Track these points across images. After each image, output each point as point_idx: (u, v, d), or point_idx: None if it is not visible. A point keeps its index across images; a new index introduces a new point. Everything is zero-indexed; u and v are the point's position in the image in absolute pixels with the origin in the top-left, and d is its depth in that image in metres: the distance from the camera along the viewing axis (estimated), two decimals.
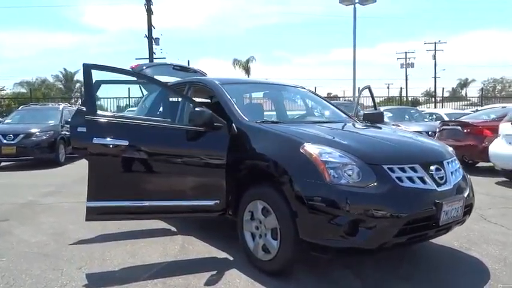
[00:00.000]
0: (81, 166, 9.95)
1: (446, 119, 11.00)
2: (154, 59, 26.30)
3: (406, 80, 40.15)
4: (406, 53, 40.14)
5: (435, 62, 37.82)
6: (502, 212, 4.49)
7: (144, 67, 5.40)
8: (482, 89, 28.68)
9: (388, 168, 2.49)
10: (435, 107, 24.52)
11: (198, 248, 3.46)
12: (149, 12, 26.07)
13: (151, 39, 26.51)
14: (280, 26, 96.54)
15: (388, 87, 48.20)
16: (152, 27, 26.41)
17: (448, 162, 2.81)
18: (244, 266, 2.99)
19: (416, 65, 42.49)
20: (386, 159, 2.55)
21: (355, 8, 17.84)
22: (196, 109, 3.05)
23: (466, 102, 28.34)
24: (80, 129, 3.95)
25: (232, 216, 3.22)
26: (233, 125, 3.18)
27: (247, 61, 36.22)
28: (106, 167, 3.01)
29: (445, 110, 14.29)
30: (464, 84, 51.65)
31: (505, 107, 8.29)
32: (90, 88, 3.09)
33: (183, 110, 3.78)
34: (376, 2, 17.59)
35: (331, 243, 2.46)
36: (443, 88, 29.30)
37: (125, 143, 2.99)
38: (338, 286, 2.71)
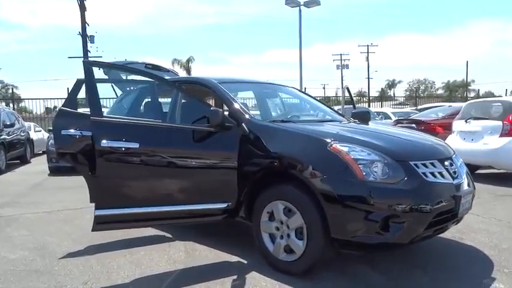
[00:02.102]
0: (25, 174, 9.16)
1: (393, 117, 11.72)
2: (89, 58, 24.91)
3: (342, 81, 42.05)
4: (341, 54, 42.07)
5: (368, 63, 40.14)
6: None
7: None
8: (416, 89, 30.87)
9: (414, 164, 2.59)
10: (369, 106, 26.01)
11: (204, 253, 3.33)
12: (82, 8, 24.47)
13: (85, 37, 24.94)
14: (217, 26, 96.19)
15: (324, 88, 50.32)
16: (86, 24, 24.89)
17: (455, 157, 3.00)
18: (263, 269, 2.93)
19: (351, 67, 44.80)
20: (411, 156, 2.66)
21: (300, 10, 18.35)
22: (212, 109, 2.93)
23: (394, 102, 30.45)
24: (64, 132, 3.61)
25: (245, 218, 3.15)
26: (243, 124, 3.11)
27: (188, 61, 35.78)
28: (115, 172, 2.80)
29: (388, 109, 15.19)
30: (392, 84, 55.53)
31: (451, 105, 9.03)
32: (93, 87, 2.84)
33: (174, 109, 3.62)
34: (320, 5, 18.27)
35: (365, 240, 2.50)
36: (382, 88, 31.22)
37: (136, 145, 2.80)
38: (360, 280, 2.76)
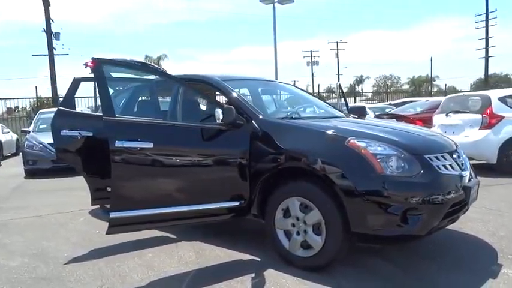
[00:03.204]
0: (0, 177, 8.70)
1: (370, 112, 11.98)
2: (55, 55, 24.00)
3: (312, 77, 42.68)
4: (311, 51, 42.61)
5: (338, 60, 40.87)
6: None
7: None
8: (386, 85, 31.55)
9: (428, 157, 2.67)
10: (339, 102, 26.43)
11: (214, 253, 3.30)
12: (46, 3, 23.42)
13: (50, 34, 23.88)
14: (185, 24, 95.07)
15: (294, 84, 50.75)
16: (51, 21, 23.85)
17: (460, 150, 3.12)
18: (278, 266, 2.94)
19: (320, 63, 45.47)
20: (425, 150, 2.74)
21: (274, 7, 18.49)
22: (226, 107, 2.91)
23: (363, 98, 31.20)
24: (64, 132, 3.49)
25: (257, 216, 3.15)
26: (253, 122, 3.10)
27: (159, 58, 35.32)
28: (130, 173, 2.73)
29: (364, 105, 15.51)
30: (360, 80, 56.75)
31: (428, 100, 9.34)
32: (104, 86, 2.74)
33: (176, 107, 3.57)
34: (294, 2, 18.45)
35: (386, 233, 2.56)
36: (350, 84, 31.80)
37: (150, 145, 2.73)
38: (376, 272, 2.82)
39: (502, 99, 6.36)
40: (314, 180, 2.76)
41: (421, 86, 49.62)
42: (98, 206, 4.50)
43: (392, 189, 2.51)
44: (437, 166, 2.67)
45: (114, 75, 3.56)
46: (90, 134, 3.54)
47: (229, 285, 2.68)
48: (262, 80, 4.26)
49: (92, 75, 4.09)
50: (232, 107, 2.94)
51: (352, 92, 38.60)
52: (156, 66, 4.60)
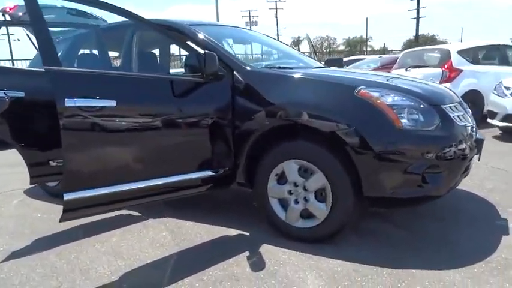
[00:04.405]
0: None
1: None
2: None
3: None
4: (249, 11, 41.44)
5: (277, 20, 40.23)
6: None
7: (21, 12, 3.97)
8: (328, 45, 31.49)
9: (445, 108, 2.34)
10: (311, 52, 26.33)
11: (193, 231, 2.79)
12: None
13: None
14: None
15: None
16: None
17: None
18: (273, 240, 2.54)
19: (259, 23, 44.51)
20: (439, 99, 2.40)
21: None
22: (208, 53, 2.32)
23: None
24: None
25: (244, 184, 2.68)
26: (235, 73, 2.57)
27: None
28: (87, 141, 2.08)
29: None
30: (297, 42, 56.88)
31: (381, 56, 9.27)
32: (43, 24, 2.00)
33: (128, 57, 2.94)
34: None
35: (405, 195, 2.21)
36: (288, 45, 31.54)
37: (112, 103, 2.09)
38: (385, 239, 2.53)
39: (461, 53, 6.33)
40: (317, 139, 2.32)
41: (355, 46, 50.89)
42: (37, 184, 3.72)
43: (412, 145, 2.16)
44: (454, 117, 2.35)
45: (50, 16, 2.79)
46: (21, 94, 2.76)
47: (224, 270, 2.22)
48: (234, 27, 3.64)
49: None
50: (214, 53, 2.35)
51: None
52: (82, 11, 3.73)
